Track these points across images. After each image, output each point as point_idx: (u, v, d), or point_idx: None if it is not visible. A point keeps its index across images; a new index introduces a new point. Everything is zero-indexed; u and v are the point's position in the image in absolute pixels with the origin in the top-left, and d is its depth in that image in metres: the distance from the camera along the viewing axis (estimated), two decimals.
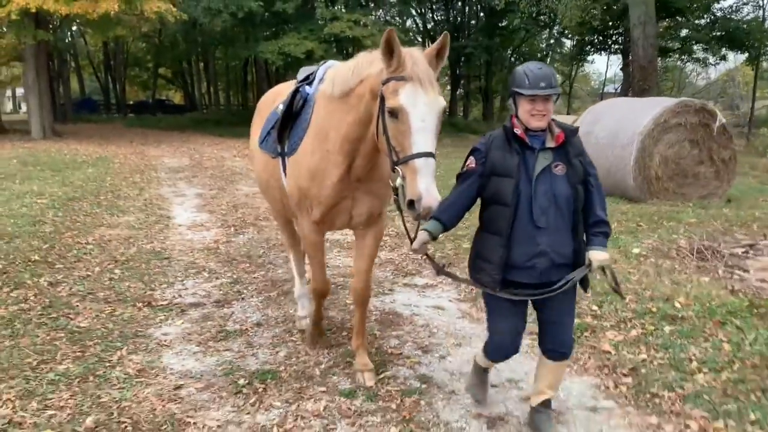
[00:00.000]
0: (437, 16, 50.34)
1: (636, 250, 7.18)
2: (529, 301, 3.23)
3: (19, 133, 26.39)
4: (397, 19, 46.42)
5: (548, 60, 48.47)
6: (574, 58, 42.44)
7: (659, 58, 34.06)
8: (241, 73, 52.97)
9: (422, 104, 2.93)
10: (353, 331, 4.25)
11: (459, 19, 47.05)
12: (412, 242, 3.16)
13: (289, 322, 5.13)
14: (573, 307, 3.25)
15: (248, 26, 33.05)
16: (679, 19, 32.34)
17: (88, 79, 60.94)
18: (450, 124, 37.17)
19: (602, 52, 37.69)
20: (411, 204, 2.86)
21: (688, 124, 11.20)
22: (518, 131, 3.08)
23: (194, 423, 3.49)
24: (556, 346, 3.24)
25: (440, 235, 3.19)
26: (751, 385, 3.89)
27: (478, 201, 3.26)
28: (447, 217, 3.13)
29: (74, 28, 37.34)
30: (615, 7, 26.77)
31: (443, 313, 5.43)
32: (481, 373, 3.66)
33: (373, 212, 3.85)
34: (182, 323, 5.09)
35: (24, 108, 56.44)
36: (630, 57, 23.14)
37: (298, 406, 3.72)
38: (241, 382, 4.00)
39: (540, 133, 3.09)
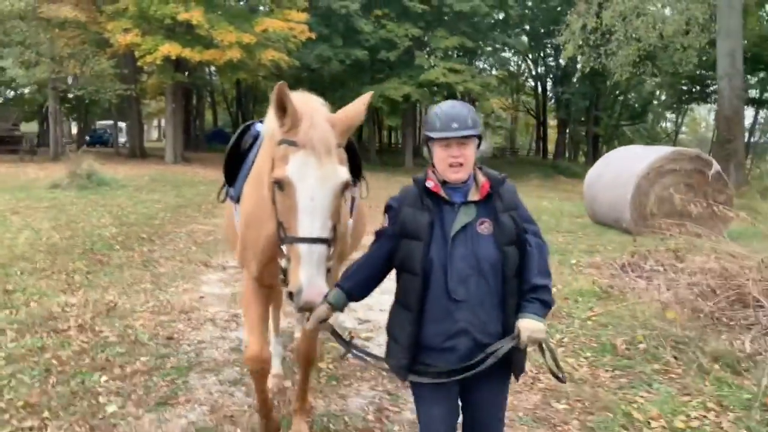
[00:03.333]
0: (548, 61, 52.04)
1: (573, 261, 9.30)
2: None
3: (156, 158, 31.41)
4: (498, 66, 48.44)
5: (655, 106, 48.78)
6: (670, 107, 42.94)
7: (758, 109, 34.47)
8: None
9: (312, 178, 2.48)
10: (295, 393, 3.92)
11: (569, 63, 48.36)
12: (307, 319, 2.58)
13: None
14: (502, 404, 2.68)
15: (356, 71, 36.74)
16: None
17: (222, 113, 67.68)
18: (552, 166, 40.45)
19: (699, 102, 38.42)
20: (291, 295, 2.47)
21: (683, 170, 12.99)
22: (430, 184, 2.55)
23: (203, 309, 6.35)
24: None
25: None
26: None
27: None
28: (351, 285, 2.62)
29: (209, 69, 42.85)
30: (704, 59, 27.40)
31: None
32: None
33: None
34: (220, 274, 8.02)
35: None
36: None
37: None
38: (238, 298, 6.81)
39: (462, 184, 2.55)
